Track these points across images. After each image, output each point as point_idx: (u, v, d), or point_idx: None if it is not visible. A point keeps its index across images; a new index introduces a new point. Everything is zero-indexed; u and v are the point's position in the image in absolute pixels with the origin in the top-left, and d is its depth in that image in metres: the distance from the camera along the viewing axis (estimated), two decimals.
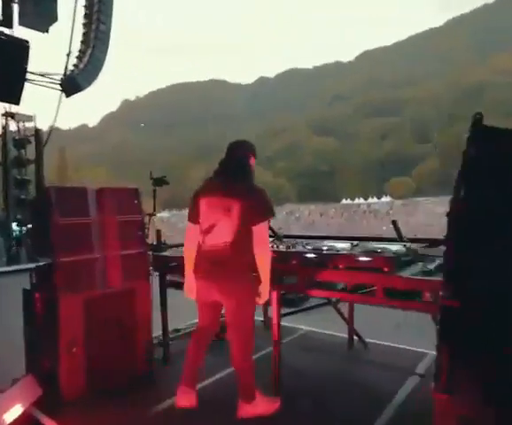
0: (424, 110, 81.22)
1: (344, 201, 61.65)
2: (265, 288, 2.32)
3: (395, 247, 2.46)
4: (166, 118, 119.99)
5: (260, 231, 2.27)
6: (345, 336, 3.91)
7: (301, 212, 49.95)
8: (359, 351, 3.75)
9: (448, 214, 1.19)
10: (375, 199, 60.63)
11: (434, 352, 3.49)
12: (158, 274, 3.51)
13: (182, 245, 3.93)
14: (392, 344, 3.83)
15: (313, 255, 2.46)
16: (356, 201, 60.92)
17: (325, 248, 2.55)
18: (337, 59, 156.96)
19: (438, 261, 2.33)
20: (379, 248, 2.46)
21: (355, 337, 3.86)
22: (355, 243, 2.74)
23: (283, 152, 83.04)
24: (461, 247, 1.14)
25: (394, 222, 3.72)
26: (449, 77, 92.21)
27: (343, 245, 2.65)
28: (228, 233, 2.29)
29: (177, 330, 4.06)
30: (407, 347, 3.75)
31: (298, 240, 3.36)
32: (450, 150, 59.80)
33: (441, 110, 77.96)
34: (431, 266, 2.22)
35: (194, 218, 2.48)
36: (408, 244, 2.52)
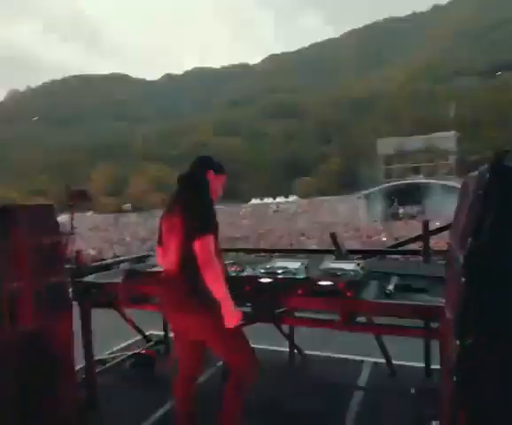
0: (325, 113, 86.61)
1: (253, 201, 62.89)
2: (226, 311, 1.98)
3: (350, 266, 2.40)
4: (61, 111, 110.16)
5: (198, 249, 1.98)
6: (284, 349, 3.83)
7: None
8: (300, 366, 3.69)
9: (466, 257, 1.10)
10: (282, 199, 62.88)
11: (371, 359, 3.66)
12: (78, 303, 3.04)
13: (104, 268, 3.50)
14: (330, 354, 3.84)
15: (269, 280, 2.29)
16: (265, 200, 62.56)
17: (280, 271, 2.39)
18: (243, 61, 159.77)
19: (395, 280, 2.33)
20: (333, 268, 2.38)
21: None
22: (305, 262, 2.63)
23: (190, 151, 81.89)
24: (484, 294, 1.06)
25: (333, 235, 3.75)
26: (346, 84, 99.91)
27: (295, 265, 2.52)
28: (174, 252, 2.09)
29: (102, 362, 3.58)
30: (344, 356, 3.80)
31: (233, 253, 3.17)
32: (349, 152, 64.72)
33: (339, 114, 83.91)
34: (390, 287, 2.20)
35: (158, 240, 2.31)
36: (362, 263, 2.48)
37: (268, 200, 62.21)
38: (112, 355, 3.86)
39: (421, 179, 33.35)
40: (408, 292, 2.21)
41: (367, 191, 31.89)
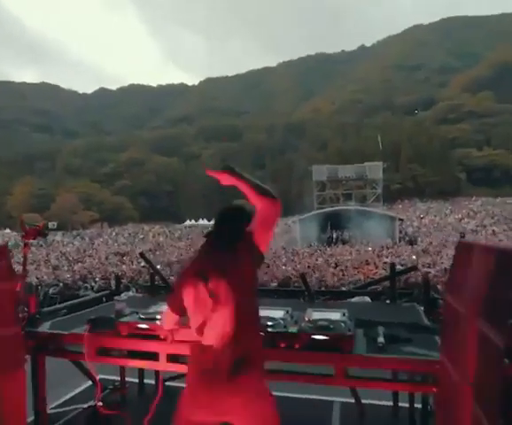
0: (259, 139, 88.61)
1: (188, 222, 61.75)
2: None
3: (337, 315, 2.40)
4: None
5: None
6: None
7: (145, 232, 48.23)
8: None
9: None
10: None
11: (339, 399, 3.66)
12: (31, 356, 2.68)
13: (61, 314, 3.15)
14: (298, 395, 3.77)
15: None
16: (200, 222, 61.73)
17: (268, 322, 2.31)
18: (181, 81, 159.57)
19: (382, 330, 2.36)
20: (321, 319, 2.36)
21: None
22: (289, 309, 2.58)
23: (124, 169, 78.98)
24: None
25: (302, 276, 3.76)
26: (281, 111, 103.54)
27: (280, 314, 2.47)
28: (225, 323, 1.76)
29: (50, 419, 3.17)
30: (313, 396, 3.75)
31: None
32: (282, 177, 66.59)
33: (273, 140, 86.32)
34: (381, 339, 2.22)
35: (176, 306, 1.95)
36: (346, 313, 2.48)
37: (204, 222, 61.52)
38: (59, 409, 3.45)
39: (352, 205, 35.19)
40: (397, 343, 2.25)
41: (301, 216, 32.86)
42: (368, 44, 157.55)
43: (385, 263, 15.94)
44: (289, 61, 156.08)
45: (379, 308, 3.30)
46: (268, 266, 17.88)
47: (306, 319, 2.39)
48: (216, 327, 1.74)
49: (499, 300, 1.27)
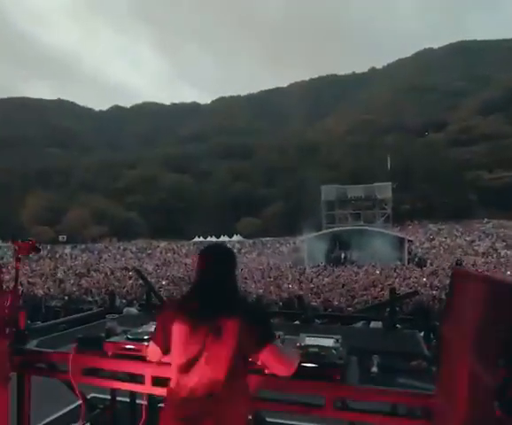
0: (271, 158, 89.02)
1: (196, 239, 61.81)
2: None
3: (329, 342, 2.30)
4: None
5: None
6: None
7: (153, 248, 48.45)
8: None
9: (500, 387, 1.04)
10: (226, 238, 62.44)
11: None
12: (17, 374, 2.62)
13: (48, 330, 3.10)
14: (291, 422, 3.67)
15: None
16: (209, 239, 61.73)
17: None
18: (194, 100, 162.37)
19: (376, 359, 2.25)
20: (312, 345, 2.26)
21: None
22: (280, 334, 2.49)
23: (136, 186, 79.83)
24: None
25: (300, 297, 3.67)
26: (292, 131, 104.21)
27: None
28: (218, 367, 1.70)
29: None
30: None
31: None
32: (292, 196, 66.62)
33: (285, 159, 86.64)
34: (374, 369, 2.12)
35: (161, 341, 1.93)
36: (340, 339, 2.38)
37: (212, 239, 61.49)
38: None
39: (361, 225, 34.88)
40: (391, 373, 2.14)
41: (310, 235, 32.65)
42: (378, 66, 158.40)
43: (391, 285, 15.70)
44: (300, 82, 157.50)
45: (377, 335, 3.18)
46: (275, 281, 17.70)
47: (298, 345, 2.30)
48: (213, 361, 1.69)
49: (490, 337, 1.18)
